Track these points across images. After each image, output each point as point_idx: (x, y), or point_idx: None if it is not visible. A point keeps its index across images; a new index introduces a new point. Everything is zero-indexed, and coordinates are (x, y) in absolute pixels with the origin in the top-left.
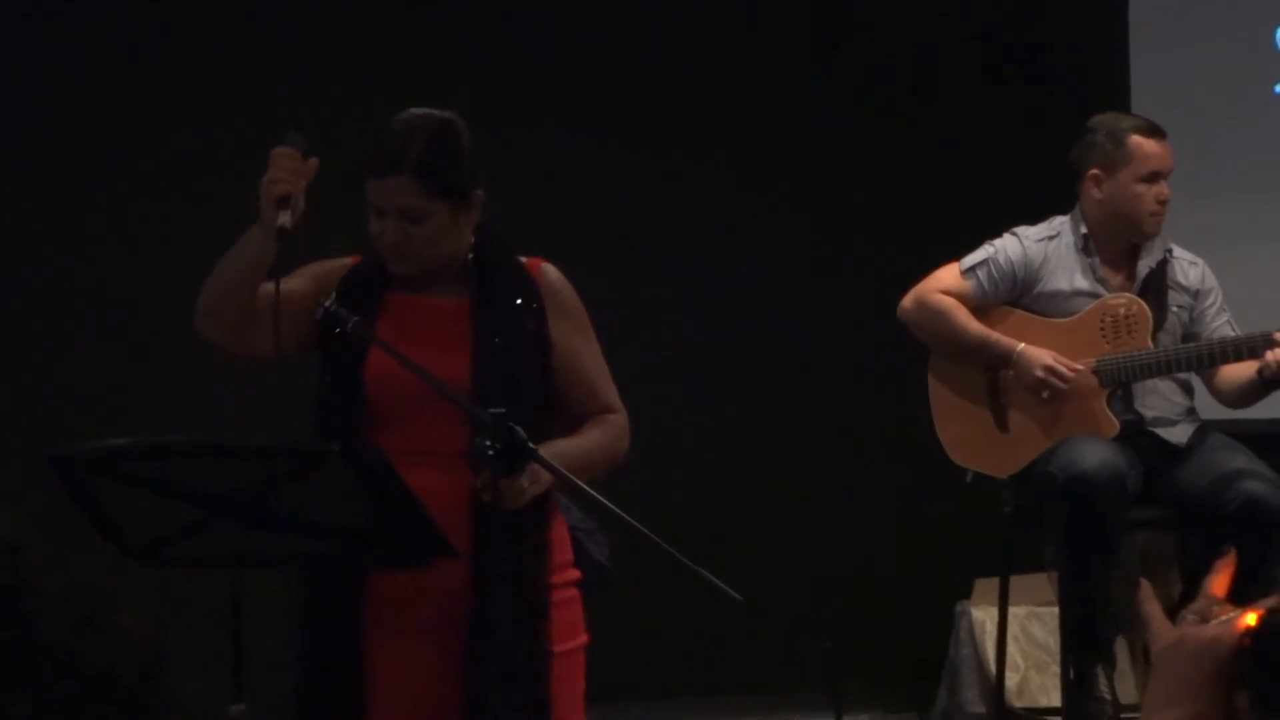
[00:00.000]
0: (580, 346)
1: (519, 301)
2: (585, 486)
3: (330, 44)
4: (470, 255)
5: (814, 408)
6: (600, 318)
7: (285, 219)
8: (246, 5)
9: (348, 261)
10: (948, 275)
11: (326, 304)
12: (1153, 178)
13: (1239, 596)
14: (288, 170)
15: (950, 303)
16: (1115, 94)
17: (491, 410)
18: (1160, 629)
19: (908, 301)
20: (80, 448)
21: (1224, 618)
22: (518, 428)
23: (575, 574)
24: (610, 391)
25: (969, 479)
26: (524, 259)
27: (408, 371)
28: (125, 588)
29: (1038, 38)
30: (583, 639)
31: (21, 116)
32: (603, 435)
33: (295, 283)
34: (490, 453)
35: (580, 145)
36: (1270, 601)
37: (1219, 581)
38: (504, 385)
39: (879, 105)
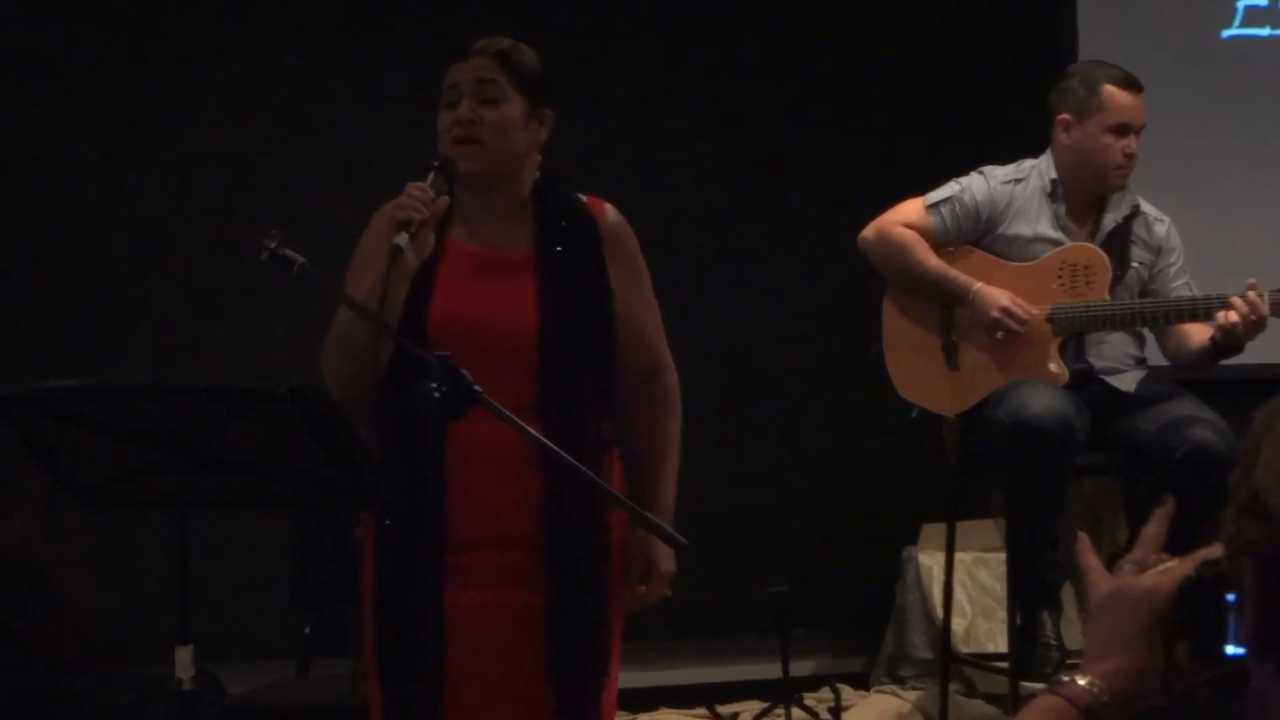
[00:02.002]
0: (636, 296)
1: (581, 248)
2: (531, 431)
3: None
4: (532, 192)
5: (761, 353)
6: None
7: (403, 240)
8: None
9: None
10: (911, 209)
11: (272, 245)
12: (1122, 130)
13: (1185, 542)
14: (417, 199)
15: (911, 236)
16: (1062, 40)
17: (437, 353)
18: (1098, 580)
19: (869, 232)
20: (24, 388)
21: (1162, 567)
22: (464, 371)
23: (624, 516)
24: (662, 344)
25: (914, 414)
26: (585, 198)
27: (472, 320)
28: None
29: None
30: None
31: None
32: (674, 421)
33: (372, 269)
34: (436, 395)
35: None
36: (1208, 551)
37: (1157, 530)
38: (571, 338)
39: (836, 44)
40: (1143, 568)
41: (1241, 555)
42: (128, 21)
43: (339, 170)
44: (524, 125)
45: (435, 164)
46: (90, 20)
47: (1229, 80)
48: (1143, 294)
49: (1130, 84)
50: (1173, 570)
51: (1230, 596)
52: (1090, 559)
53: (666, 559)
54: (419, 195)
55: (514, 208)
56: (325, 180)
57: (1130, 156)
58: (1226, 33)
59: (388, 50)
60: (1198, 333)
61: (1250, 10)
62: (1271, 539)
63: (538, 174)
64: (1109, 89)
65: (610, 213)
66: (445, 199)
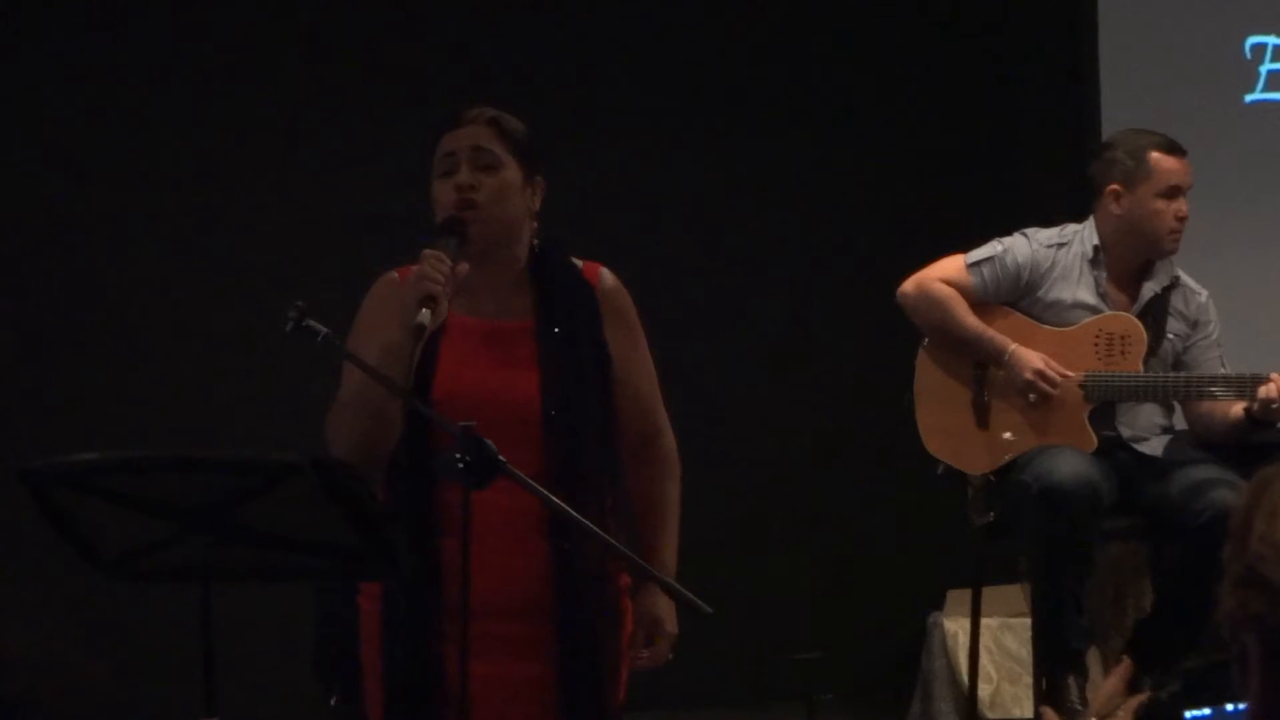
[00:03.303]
0: (635, 361)
1: (580, 316)
2: (554, 499)
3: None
4: (529, 260)
5: (789, 418)
6: None
7: (425, 318)
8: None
9: (395, 276)
10: (951, 266)
11: (294, 315)
12: (1172, 193)
13: (1209, 608)
14: (440, 273)
15: (950, 293)
16: (1086, 107)
17: (461, 423)
18: None
19: (908, 286)
20: (49, 462)
21: (1119, 709)
22: (488, 441)
23: (627, 580)
24: (659, 408)
25: (940, 471)
26: (581, 263)
27: (476, 394)
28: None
29: (1010, 49)
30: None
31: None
32: (673, 485)
33: (378, 337)
34: (460, 466)
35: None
36: (1147, 694)
37: (1115, 685)
38: (573, 408)
39: (858, 104)
40: (1103, 716)
41: (1243, 629)
42: (142, 82)
43: (339, 235)
44: (521, 191)
45: (447, 229)
46: (103, 76)
47: (1253, 144)
48: (1176, 365)
49: (1174, 148)
50: (1129, 706)
51: (1189, 715)
52: (1050, 717)
53: (671, 621)
54: (440, 267)
55: (512, 277)
56: (326, 244)
57: (1182, 219)
58: (1250, 97)
59: (392, 115)
60: (1229, 406)
61: (1273, 75)
62: (1275, 609)
63: (535, 242)
64: (1155, 155)
65: (606, 277)
66: (465, 266)
